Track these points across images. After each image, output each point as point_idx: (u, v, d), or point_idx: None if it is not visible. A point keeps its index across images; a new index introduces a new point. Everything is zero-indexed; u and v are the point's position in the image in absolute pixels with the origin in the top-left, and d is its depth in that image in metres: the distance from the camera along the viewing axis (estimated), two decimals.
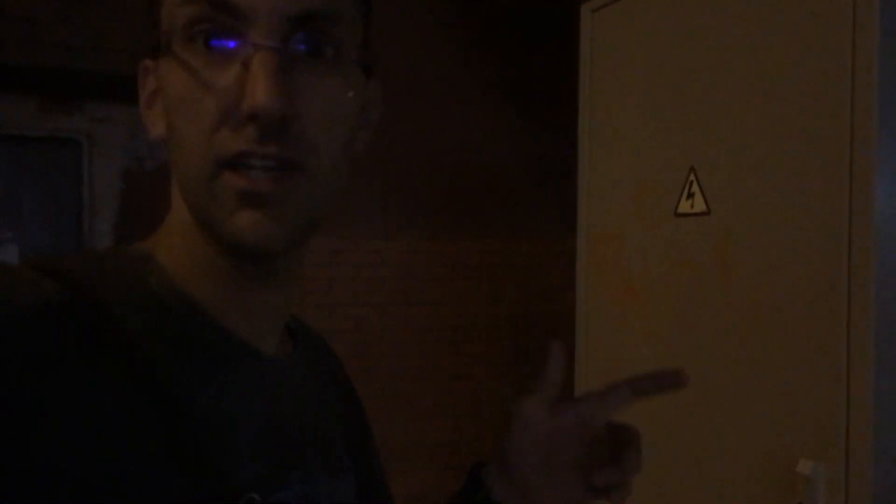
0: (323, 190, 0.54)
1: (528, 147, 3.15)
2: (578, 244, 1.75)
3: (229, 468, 0.52)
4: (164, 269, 0.57)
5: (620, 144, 1.65)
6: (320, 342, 0.74)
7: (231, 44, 0.51)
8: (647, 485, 1.55)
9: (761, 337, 1.32)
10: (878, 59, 1.15)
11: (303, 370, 0.65)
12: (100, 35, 2.76)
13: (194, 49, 0.52)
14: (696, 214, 1.45)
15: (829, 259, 1.21)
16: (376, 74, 0.59)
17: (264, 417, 0.57)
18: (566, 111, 2.61)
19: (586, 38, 1.75)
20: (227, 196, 0.51)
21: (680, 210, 1.48)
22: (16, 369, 0.44)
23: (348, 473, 0.66)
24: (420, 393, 2.95)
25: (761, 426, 1.31)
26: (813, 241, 1.24)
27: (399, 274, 3.04)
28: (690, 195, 1.46)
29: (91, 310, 0.50)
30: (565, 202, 3.12)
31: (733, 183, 1.38)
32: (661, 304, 1.52)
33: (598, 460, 0.66)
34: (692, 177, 1.46)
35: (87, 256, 0.57)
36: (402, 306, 3.02)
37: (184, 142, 0.52)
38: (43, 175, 3.11)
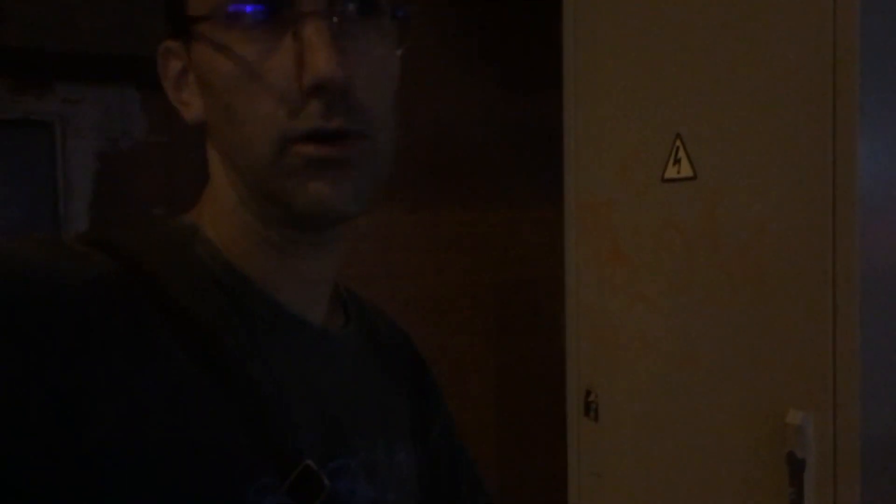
0: (383, 155, 0.56)
1: (503, 116, 3.16)
2: (566, 211, 1.79)
3: (285, 436, 0.53)
4: (210, 240, 0.58)
5: (606, 111, 1.68)
6: (381, 315, 0.74)
7: (277, 12, 0.50)
8: (638, 439, 1.60)
9: (749, 295, 1.37)
10: (861, 20, 1.19)
11: (358, 341, 0.66)
12: (71, 14, 2.71)
13: (239, 26, 0.51)
14: (682, 179, 1.49)
15: (815, 218, 1.26)
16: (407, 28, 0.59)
17: (318, 386, 0.58)
18: (543, 79, 2.63)
19: (570, 3, 1.77)
20: (298, 167, 0.52)
21: (667, 175, 1.52)
22: (71, 341, 0.45)
23: (410, 445, 0.67)
24: None
25: (751, 380, 1.36)
26: (798, 202, 1.29)
27: (380, 247, 3.05)
28: (677, 160, 1.50)
29: (142, 281, 0.51)
30: (541, 170, 3.15)
31: (719, 148, 1.42)
32: (650, 268, 1.56)
33: None
34: (678, 143, 1.50)
35: (134, 229, 0.58)
36: (385, 279, 3.04)
37: (243, 120, 0.52)
38: (16, 158, 3.06)
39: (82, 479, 0.44)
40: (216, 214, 0.59)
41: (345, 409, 0.60)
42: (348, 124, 0.52)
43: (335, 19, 0.50)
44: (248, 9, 0.51)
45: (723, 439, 1.42)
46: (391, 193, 3.13)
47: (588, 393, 1.72)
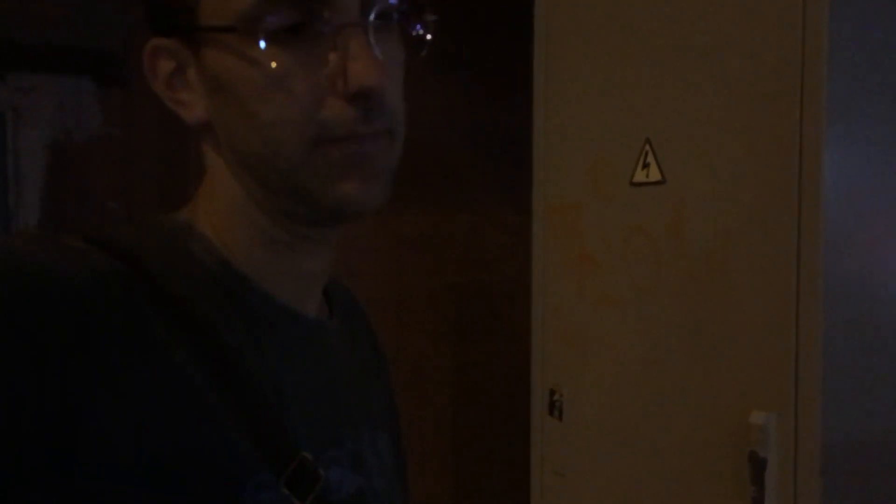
0: (398, 148, 0.59)
1: (468, 119, 3.17)
2: (535, 215, 1.80)
3: (281, 430, 0.54)
4: (205, 237, 0.58)
5: (576, 115, 1.70)
6: (350, 297, 0.77)
7: (310, 24, 0.52)
8: (603, 439, 1.63)
9: (715, 298, 1.40)
10: (829, 26, 1.23)
11: (341, 331, 0.67)
12: (24, 3, 2.64)
13: (267, 35, 0.52)
14: (651, 184, 1.52)
15: (780, 222, 1.29)
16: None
17: (311, 379, 0.60)
18: (508, 82, 2.65)
19: (541, 7, 1.79)
20: (330, 164, 0.54)
21: (636, 179, 1.55)
22: (69, 338, 0.45)
23: (386, 430, 0.69)
24: None
25: (716, 381, 1.39)
26: (764, 207, 1.32)
27: (340, 246, 3.03)
28: (646, 165, 1.52)
29: (139, 278, 0.51)
30: (506, 173, 3.17)
31: (688, 153, 1.45)
32: (617, 271, 1.58)
33: None
34: (647, 147, 1.52)
35: (129, 226, 0.60)
36: (345, 278, 3.02)
37: (272, 125, 0.53)
38: None
39: (80, 476, 0.45)
40: (214, 212, 0.60)
41: (334, 399, 0.61)
42: (385, 125, 0.56)
43: (371, 28, 0.53)
44: (280, 20, 0.52)
45: (686, 439, 1.44)
46: None
47: (552, 392, 1.74)
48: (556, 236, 1.75)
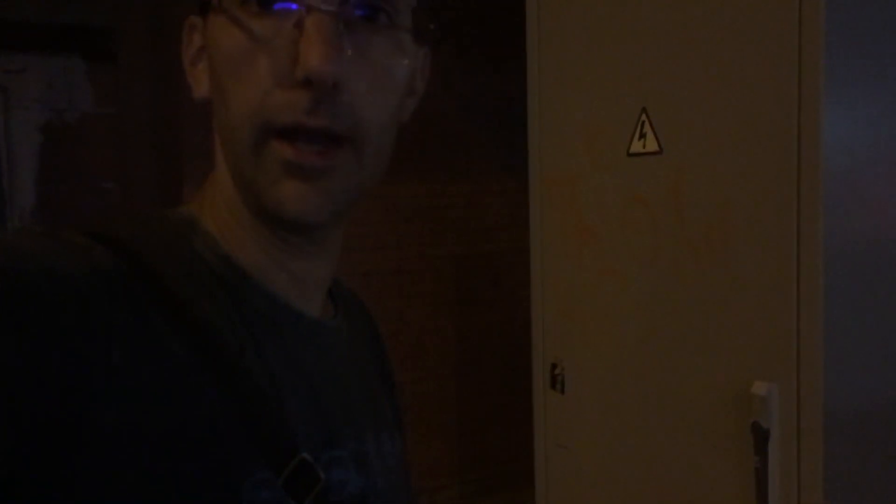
0: (368, 161, 0.54)
1: (465, 87, 3.14)
2: (531, 186, 1.78)
3: (281, 429, 0.53)
4: (208, 233, 0.57)
5: (571, 85, 1.67)
6: (358, 303, 0.75)
7: (290, 5, 0.50)
8: (605, 411, 1.62)
9: (715, 269, 1.38)
10: None
11: (346, 331, 0.66)
12: None
13: (248, 7, 0.51)
14: (648, 154, 1.49)
15: (779, 192, 1.27)
16: (429, 41, 0.59)
17: (313, 379, 0.58)
18: (504, 50, 2.61)
19: None
20: (272, 165, 0.52)
21: (632, 150, 1.52)
22: (70, 333, 0.45)
23: (394, 430, 0.67)
24: None
25: (717, 352, 1.39)
26: (763, 176, 1.30)
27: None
28: (643, 135, 1.50)
29: (140, 274, 0.51)
30: (502, 142, 3.14)
31: (685, 122, 1.43)
32: (616, 242, 1.57)
33: None
34: (644, 117, 1.50)
35: (133, 222, 0.57)
36: (345, 252, 3.00)
37: (232, 103, 0.52)
38: None
39: (80, 472, 0.44)
40: (216, 204, 0.58)
41: (337, 399, 0.60)
42: (333, 125, 0.51)
43: (341, 19, 0.50)
44: None
45: (689, 411, 1.44)
46: None
47: (554, 366, 1.73)
48: (552, 208, 1.73)
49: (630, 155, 1.53)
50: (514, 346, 2.94)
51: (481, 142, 3.15)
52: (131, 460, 0.46)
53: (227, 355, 0.52)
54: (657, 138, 1.48)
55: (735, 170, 1.34)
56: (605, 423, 1.63)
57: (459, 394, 3.13)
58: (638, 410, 1.55)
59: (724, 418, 1.37)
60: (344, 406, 0.61)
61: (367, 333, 0.75)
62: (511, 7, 2.01)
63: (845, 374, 1.26)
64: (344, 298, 0.70)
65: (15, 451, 0.42)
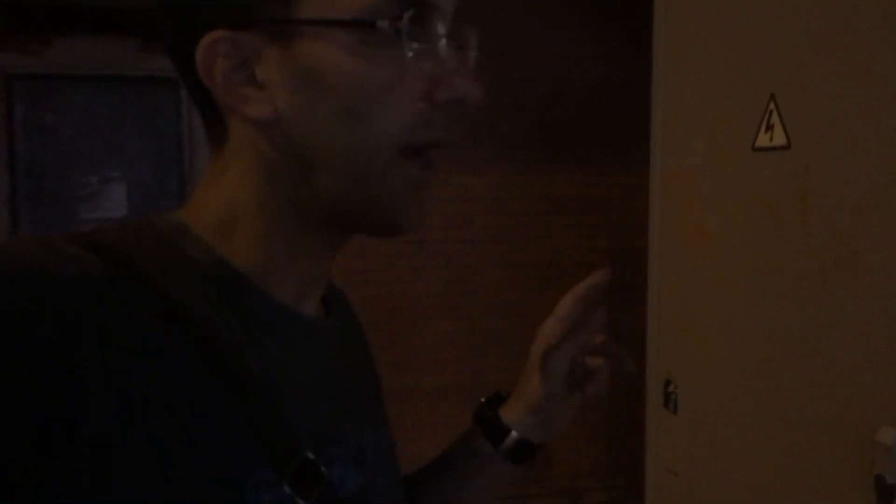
0: None
1: (623, 73, 2.95)
2: (651, 181, 1.61)
3: (282, 429, 0.54)
4: (201, 237, 0.58)
5: (695, 73, 1.49)
6: (343, 299, 0.76)
7: (441, 38, 0.54)
8: (715, 439, 1.44)
9: (842, 287, 1.17)
10: None
11: (338, 330, 0.68)
12: None
13: (380, 35, 0.53)
14: (775, 149, 1.29)
15: None
16: None
17: (310, 377, 0.60)
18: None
19: None
20: (401, 183, 0.56)
21: (758, 144, 1.32)
22: (64, 340, 0.45)
23: (386, 427, 0.69)
24: (511, 330, 2.89)
25: (840, 389, 1.17)
26: None
27: (489, 209, 2.96)
28: (770, 127, 1.30)
29: (134, 279, 0.51)
30: None
31: (817, 114, 1.21)
32: (734, 249, 1.38)
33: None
34: (772, 106, 1.29)
35: (124, 229, 0.58)
36: (493, 243, 2.94)
37: (373, 124, 0.54)
38: (145, 115, 3.21)
39: (78, 478, 0.45)
40: (216, 211, 0.59)
41: (334, 397, 0.61)
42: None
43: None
44: (402, 25, 0.53)
45: (806, 452, 1.24)
46: (501, 154, 3.01)
47: (668, 383, 1.57)
48: (672, 206, 1.55)
49: (755, 149, 1.33)
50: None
51: (639, 131, 2.95)
52: (130, 465, 0.46)
53: (224, 356, 0.52)
54: (785, 131, 1.27)
55: (871, 173, 1.12)
56: (716, 452, 1.44)
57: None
58: (751, 442, 1.35)
59: (845, 466, 1.16)
60: (342, 403, 0.62)
61: (357, 329, 0.76)
62: None
63: None
64: (333, 296, 0.70)
65: (14, 453, 0.43)
